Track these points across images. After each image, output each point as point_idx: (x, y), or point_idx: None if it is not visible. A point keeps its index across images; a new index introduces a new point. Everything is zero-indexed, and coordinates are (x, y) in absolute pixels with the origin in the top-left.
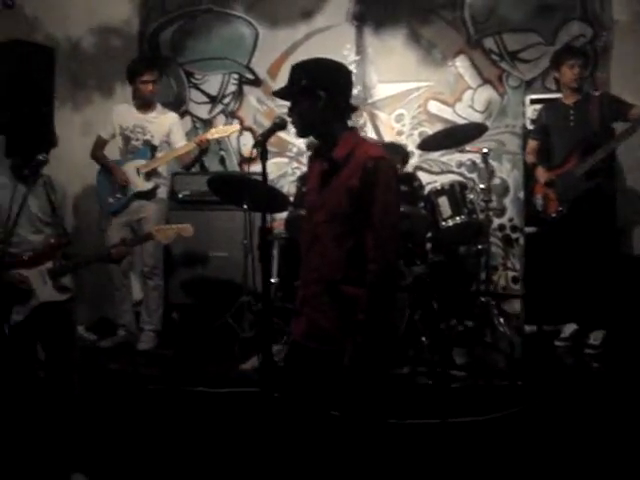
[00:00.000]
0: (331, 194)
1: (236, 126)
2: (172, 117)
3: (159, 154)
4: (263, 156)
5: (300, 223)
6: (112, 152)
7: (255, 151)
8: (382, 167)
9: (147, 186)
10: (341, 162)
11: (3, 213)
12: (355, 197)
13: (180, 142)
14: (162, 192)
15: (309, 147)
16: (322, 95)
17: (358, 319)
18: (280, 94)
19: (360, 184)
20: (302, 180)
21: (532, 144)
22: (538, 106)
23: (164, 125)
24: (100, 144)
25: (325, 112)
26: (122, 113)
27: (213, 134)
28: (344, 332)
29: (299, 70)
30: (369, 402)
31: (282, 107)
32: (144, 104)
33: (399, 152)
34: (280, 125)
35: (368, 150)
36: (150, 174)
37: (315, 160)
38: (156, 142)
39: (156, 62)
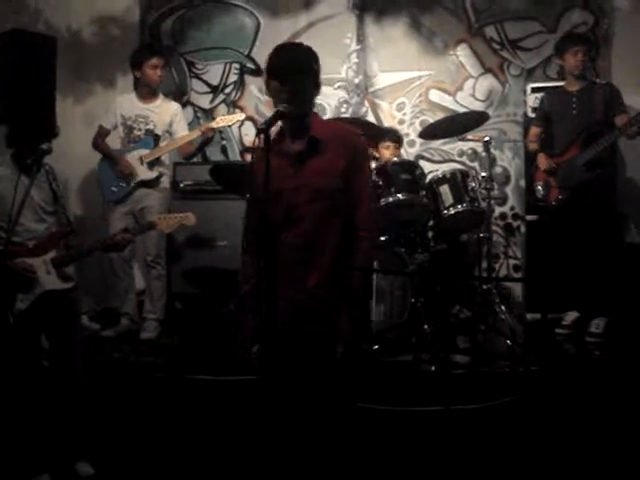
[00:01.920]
0: (313, 173)
1: (241, 115)
2: (174, 107)
3: (162, 143)
4: (266, 144)
5: (254, 208)
6: (112, 142)
7: (257, 140)
8: (364, 144)
9: (151, 175)
10: (322, 141)
11: (6, 203)
12: (343, 173)
13: (182, 132)
14: (165, 181)
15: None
16: (317, 78)
17: (354, 293)
18: (290, 73)
19: (347, 161)
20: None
21: (534, 130)
22: (539, 94)
23: (166, 115)
24: (102, 134)
25: (314, 92)
26: (124, 103)
27: (218, 123)
28: (332, 310)
29: (307, 52)
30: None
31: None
32: (147, 93)
33: (393, 136)
34: (283, 114)
35: (346, 128)
36: (153, 163)
37: (279, 142)
38: (159, 131)
39: (161, 49)
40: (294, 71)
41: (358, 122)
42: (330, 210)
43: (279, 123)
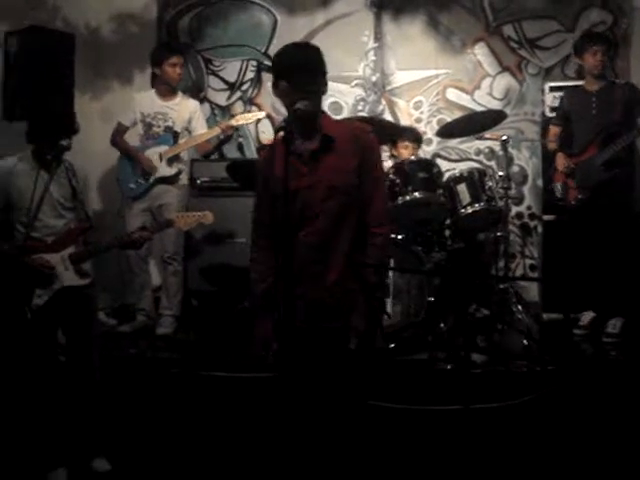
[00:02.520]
0: (328, 171)
1: (260, 113)
2: (193, 104)
3: (181, 140)
4: (287, 141)
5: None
6: (131, 139)
7: (278, 135)
8: (375, 141)
9: (170, 171)
10: (334, 138)
11: (25, 198)
12: (356, 170)
13: (201, 129)
14: (183, 178)
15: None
16: (324, 76)
17: (370, 284)
18: (306, 70)
19: (359, 158)
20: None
21: (553, 130)
22: (558, 94)
23: (185, 112)
24: (121, 131)
25: (323, 91)
26: (143, 100)
27: (238, 121)
28: (349, 306)
29: (314, 51)
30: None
31: None
32: (167, 90)
33: (412, 135)
34: (303, 112)
35: (357, 126)
36: (172, 160)
37: (291, 142)
38: (177, 129)
39: (181, 47)
40: (306, 70)
41: (375, 121)
42: (345, 207)
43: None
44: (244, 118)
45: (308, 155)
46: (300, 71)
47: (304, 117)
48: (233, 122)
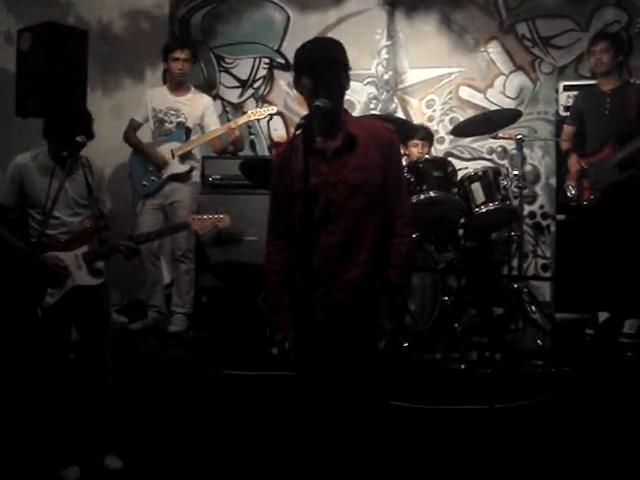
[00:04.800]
0: (351, 169)
1: (273, 108)
2: (206, 100)
3: (193, 137)
4: (305, 140)
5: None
6: (143, 135)
7: (297, 132)
8: (398, 140)
9: (182, 168)
10: (358, 137)
11: (41, 195)
12: (380, 169)
13: (213, 125)
14: (196, 175)
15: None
16: (347, 71)
17: (397, 285)
18: (330, 65)
19: (383, 157)
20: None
21: (567, 129)
22: (572, 93)
23: (198, 108)
24: (133, 127)
25: (345, 87)
26: (156, 96)
27: (250, 116)
28: (371, 307)
29: (337, 46)
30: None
31: None
32: (177, 86)
33: (423, 134)
34: (322, 109)
35: (381, 125)
36: (185, 157)
37: (309, 140)
38: (190, 125)
39: (188, 42)
40: (328, 66)
41: (388, 119)
42: (368, 206)
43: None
44: (256, 113)
45: (331, 153)
46: (322, 66)
47: (326, 114)
48: (244, 118)
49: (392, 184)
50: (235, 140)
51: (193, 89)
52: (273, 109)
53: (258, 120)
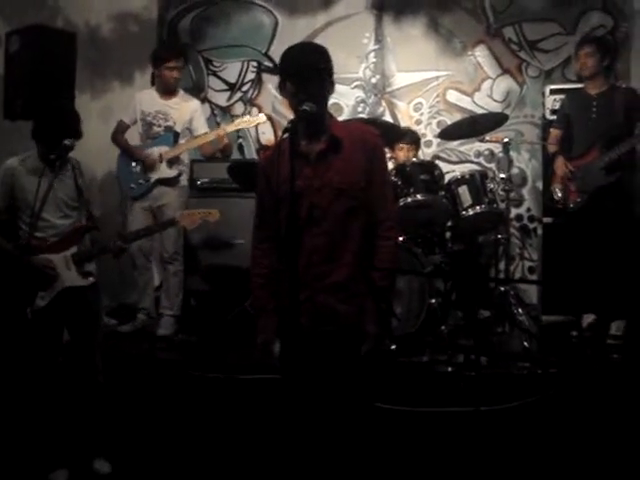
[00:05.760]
0: (335, 173)
1: (262, 118)
2: (194, 104)
3: (182, 140)
4: (292, 142)
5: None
6: (131, 138)
7: (283, 136)
8: (382, 144)
9: (171, 173)
10: (342, 140)
11: (29, 197)
12: (364, 172)
13: (202, 129)
14: (184, 179)
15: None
16: (331, 77)
17: (381, 288)
18: (313, 71)
19: (367, 160)
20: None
21: (554, 133)
22: (558, 96)
23: (186, 112)
24: (122, 129)
25: (330, 91)
26: (144, 99)
27: (238, 125)
28: (355, 310)
29: (322, 52)
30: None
31: None
32: (166, 90)
33: (410, 137)
34: (310, 112)
35: (365, 128)
36: (173, 161)
37: (293, 143)
38: (178, 128)
39: (182, 50)
40: (311, 71)
41: (375, 122)
42: (352, 209)
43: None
44: (244, 122)
45: (315, 156)
46: (306, 72)
47: (310, 118)
48: (232, 126)
49: (376, 188)
50: (224, 147)
51: (182, 93)
52: (262, 119)
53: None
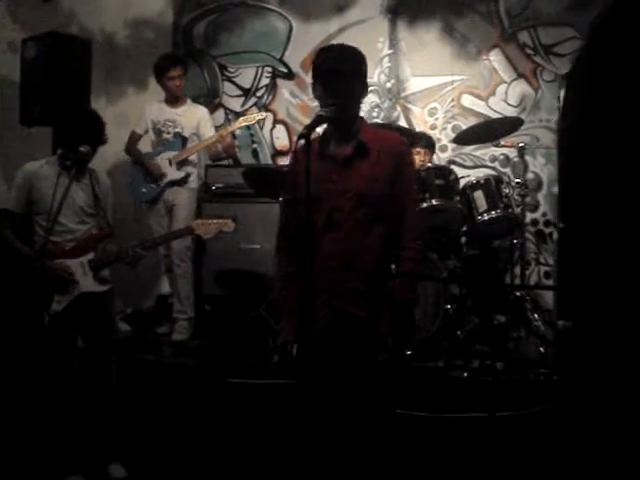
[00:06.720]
0: (359, 178)
1: (262, 114)
2: (201, 111)
3: (189, 145)
4: (307, 149)
5: (290, 211)
6: (145, 146)
7: (298, 144)
8: (410, 152)
9: (179, 175)
10: (369, 146)
11: (47, 202)
12: (388, 180)
13: (209, 134)
14: (193, 180)
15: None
16: (364, 81)
17: (401, 298)
18: (338, 73)
19: (393, 168)
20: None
21: None
22: None
23: (193, 118)
24: (134, 139)
25: (361, 97)
26: (154, 109)
27: (240, 123)
28: (373, 318)
29: (355, 53)
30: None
31: (315, 100)
32: (173, 99)
33: (427, 142)
34: (324, 118)
35: (393, 136)
36: (181, 163)
37: (323, 146)
38: (186, 134)
39: (179, 58)
40: (340, 75)
41: (390, 127)
42: (373, 217)
43: (324, 126)
44: (246, 120)
45: (341, 160)
46: (333, 76)
47: (336, 122)
48: (236, 125)
49: (401, 196)
50: (226, 146)
51: (189, 101)
52: (262, 115)
53: (248, 127)
